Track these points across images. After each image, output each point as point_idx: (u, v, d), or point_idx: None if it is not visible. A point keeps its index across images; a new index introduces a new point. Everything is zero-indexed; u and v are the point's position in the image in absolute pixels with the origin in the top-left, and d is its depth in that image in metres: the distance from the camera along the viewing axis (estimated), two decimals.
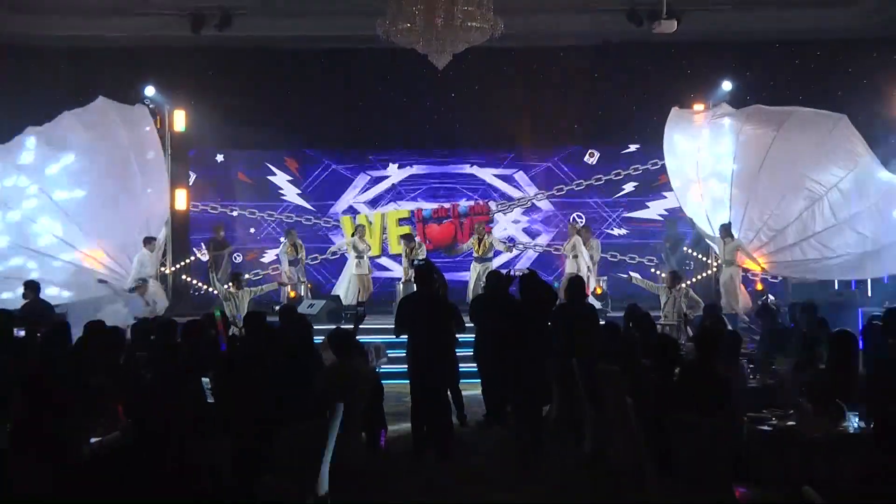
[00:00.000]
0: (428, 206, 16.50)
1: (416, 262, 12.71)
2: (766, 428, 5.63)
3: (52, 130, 13.19)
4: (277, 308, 10.99)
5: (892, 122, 15.05)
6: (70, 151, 13.06)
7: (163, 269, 15.21)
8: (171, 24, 13.95)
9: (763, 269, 13.31)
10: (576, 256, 13.72)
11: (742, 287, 13.28)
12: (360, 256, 14.43)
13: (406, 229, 15.79)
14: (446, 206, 16.51)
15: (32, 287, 11.15)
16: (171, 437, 4.69)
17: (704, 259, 15.76)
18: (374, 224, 16.23)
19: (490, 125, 15.22)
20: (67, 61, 14.55)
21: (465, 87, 14.37)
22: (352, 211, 16.47)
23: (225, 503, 3.54)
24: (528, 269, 11.08)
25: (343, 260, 15.44)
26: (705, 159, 13.63)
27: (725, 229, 13.10)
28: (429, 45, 10.53)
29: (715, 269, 15.21)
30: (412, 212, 16.50)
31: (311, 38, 14.57)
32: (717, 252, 13.63)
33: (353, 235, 14.73)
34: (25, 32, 13.99)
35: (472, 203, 16.43)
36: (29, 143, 13.11)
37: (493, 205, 16.42)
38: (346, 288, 14.56)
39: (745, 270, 13.53)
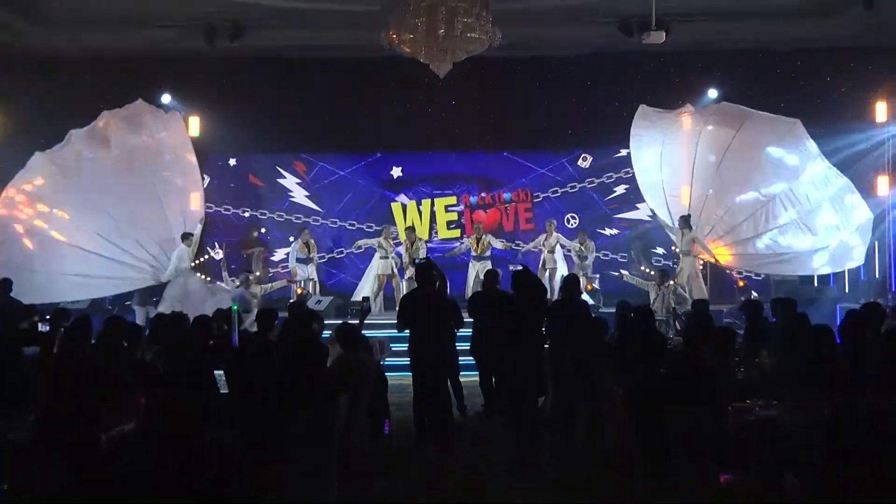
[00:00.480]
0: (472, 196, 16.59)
1: (416, 261, 12.70)
2: (750, 418, 5.63)
3: (94, 130, 13.31)
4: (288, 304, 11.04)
5: (867, 127, 15.10)
6: (112, 150, 13.18)
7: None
8: (186, 35, 13.95)
9: (716, 260, 13.29)
10: (552, 252, 13.62)
11: (699, 277, 13.28)
12: (384, 256, 14.32)
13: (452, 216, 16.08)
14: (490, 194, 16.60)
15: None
16: (186, 428, 4.69)
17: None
18: (424, 210, 16.30)
19: (488, 130, 15.19)
20: (89, 71, 14.53)
21: (464, 94, 14.33)
22: (358, 212, 16.49)
23: (236, 492, 3.53)
24: (520, 264, 11.06)
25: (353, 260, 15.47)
26: (668, 153, 13.63)
27: (684, 220, 13.10)
28: (431, 54, 10.53)
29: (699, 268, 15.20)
30: (459, 197, 16.55)
31: (319, 48, 14.58)
32: (676, 242, 13.56)
33: (380, 236, 14.65)
34: (49, 44, 13.99)
35: (516, 191, 16.46)
36: (71, 143, 13.19)
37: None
38: (370, 286, 14.52)
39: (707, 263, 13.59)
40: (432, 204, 16.48)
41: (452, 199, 16.56)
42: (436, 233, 16.25)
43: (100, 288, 12.99)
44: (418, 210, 16.33)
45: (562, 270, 13.94)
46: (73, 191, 12.97)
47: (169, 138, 13.71)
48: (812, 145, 13.28)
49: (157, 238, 13.23)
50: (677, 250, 13.47)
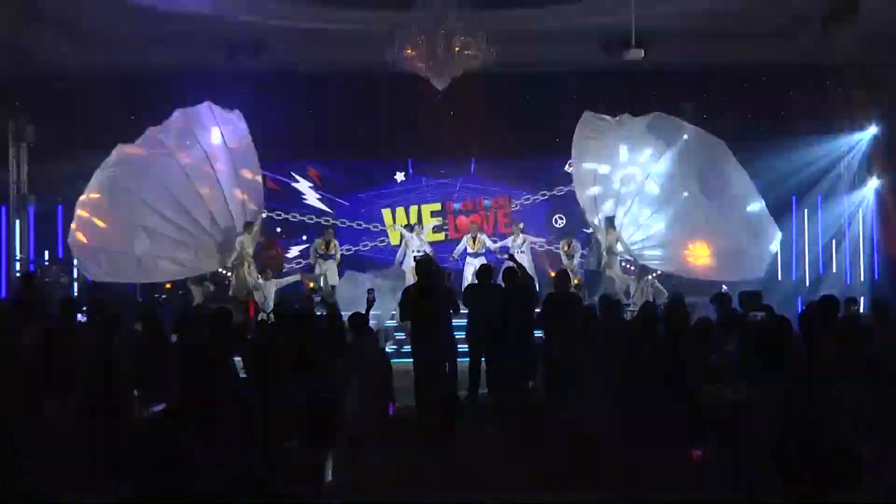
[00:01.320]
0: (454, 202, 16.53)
1: (416, 257, 12.71)
2: (719, 399, 5.64)
3: (169, 128, 13.22)
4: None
5: (827, 139, 15.15)
6: (182, 144, 13.15)
7: None
8: (209, 52, 13.95)
9: (634, 259, 13.27)
10: (522, 252, 13.57)
11: (619, 272, 13.31)
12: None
13: (438, 220, 16.01)
14: (472, 200, 16.53)
15: None
16: (208, 409, 4.70)
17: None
18: (411, 216, 16.15)
19: (483, 139, 15.18)
20: (122, 85, 14.53)
21: (462, 107, 14.33)
22: (366, 213, 16.45)
23: (252, 469, 3.54)
24: (507, 255, 10.98)
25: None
26: (604, 158, 13.51)
27: (609, 221, 13.01)
28: (431, 70, 10.54)
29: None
30: (443, 205, 16.50)
31: (331, 64, 14.56)
32: (601, 241, 13.42)
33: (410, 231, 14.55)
34: (86, 61, 13.98)
35: (495, 198, 16.44)
36: (147, 138, 13.14)
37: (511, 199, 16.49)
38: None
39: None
40: (419, 210, 16.35)
41: (437, 206, 16.46)
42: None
43: (170, 272, 12.94)
44: (406, 215, 16.17)
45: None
46: (150, 181, 12.86)
47: (232, 134, 13.59)
48: (736, 165, 13.23)
49: (222, 225, 13.17)
50: (603, 250, 13.34)
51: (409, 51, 10.37)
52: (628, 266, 14.09)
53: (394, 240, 16.05)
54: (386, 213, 16.47)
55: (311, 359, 5.86)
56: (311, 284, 13.58)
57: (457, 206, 16.55)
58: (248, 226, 12.97)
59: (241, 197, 13.35)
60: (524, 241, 14.14)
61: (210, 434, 4.38)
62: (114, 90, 14.41)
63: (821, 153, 15.21)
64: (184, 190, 12.93)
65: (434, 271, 8.78)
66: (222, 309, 8.21)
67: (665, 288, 12.84)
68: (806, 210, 15.71)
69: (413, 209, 16.40)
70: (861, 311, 9.73)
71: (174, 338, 7.64)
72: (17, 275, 14.24)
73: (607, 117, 13.49)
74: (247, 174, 13.59)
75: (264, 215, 15.73)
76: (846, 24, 12.24)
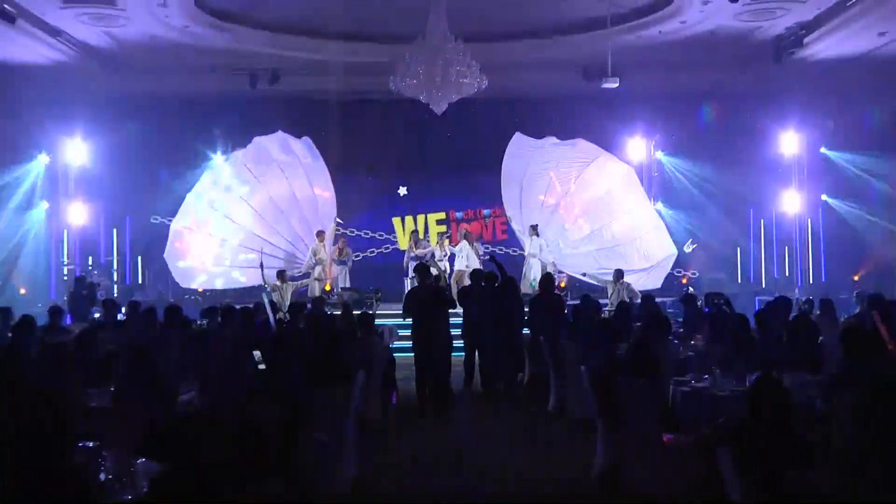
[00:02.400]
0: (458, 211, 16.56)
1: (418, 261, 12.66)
2: (686, 389, 5.65)
3: (250, 152, 13.69)
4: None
5: (777, 158, 15.23)
6: (262, 165, 13.51)
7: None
8: (232, 81, 13.98)
9: (554, 264, 13.25)
10: (462, 257, 13.33)
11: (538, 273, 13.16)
12: (440, 259, 13.64)
13: (441, 228, 15.87)
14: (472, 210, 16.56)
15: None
16: (232, 399, 4.68)
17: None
18: (419, 224, 16.18)
19: (477, 157, 15.17)
20: (155, 110, 14.54)
21: (457, 128, 14.35)
22: (371, 223, 16.41)
23: (273, 452, 3.54)
24: (489, 254, 10.92)
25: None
26: (530, 173, 13.66)
27: (533, 229, 13.10)
28: (430, 95, 10.56)
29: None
30: (447, 213, 16.50)
31: (340, 91, 14.58)
32: (525, 247, 13.44)
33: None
34: (123, 89, 14.01)
35: (493, 207, 16.26)
36: (235, 159, 13.79)
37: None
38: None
39: None
40: (426, 219, 16.38)
41: (442, 215, 16.47)
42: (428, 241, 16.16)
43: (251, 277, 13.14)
44: (414, 223, 16.17)
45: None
46: (234, 201, 13.36)
47: (305, 156, 13.85)
48: (640, 187, 13.65)
49: (296, 235, 13.51)
50: (526, 253, 13.32)
51: (410, 79, 10.38)
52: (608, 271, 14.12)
53: (402, 245, 15.96)
54: (396, 221, 16.43)
55: (331, 355, 5.85)
56: (329, 287, 13.53)
57: (458, 214, 16.54)
58: (320, 234, 13.20)
59: (315, 209, 13.61)
60: (461, 248, 13.69)
61: (237, 420, 4.37)
62: (152, 114, 14.44)
63: (767, 170, 15.38)
64: (265, 206, 13.36)
65: (435, 273, 8.78)
66: (245, 308, 8.24)
67: (638, 290, 12.83)
68: (762, 220, 15.76)
69: (420, 218, 16.38)
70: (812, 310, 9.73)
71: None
72: (71, 276, 14.34)
73: (532, 139, 13.69)
74: (319, 190, 13.80)
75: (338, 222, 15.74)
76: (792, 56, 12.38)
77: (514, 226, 13.94)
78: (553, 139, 13.79)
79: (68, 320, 10.02)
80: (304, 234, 13.53)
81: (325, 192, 13.89)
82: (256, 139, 13.72)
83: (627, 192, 13.52)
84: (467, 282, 10.38)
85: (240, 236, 13.27)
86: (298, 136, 14.71)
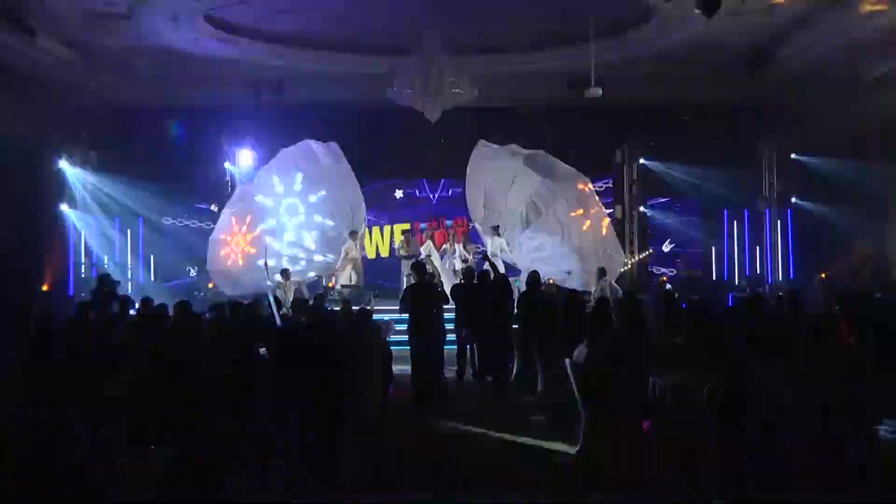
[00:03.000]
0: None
1: (413, 260, 12.66)
2: (665, 381, 5.67)
3: (280, 161, 13.46)
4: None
5: (750, 165, 15.29)
6: (293, 173, 13.34)
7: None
8: (239, 91, 13.96)
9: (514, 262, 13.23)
10: (429, 256, 13.12)
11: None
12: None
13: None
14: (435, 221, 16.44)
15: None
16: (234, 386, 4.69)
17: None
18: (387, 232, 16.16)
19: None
20: (167, 118, 14.52)
21: (450, 136, 14.32)
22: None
23: (277, 438, 3.54)
24: (482, 252, 10.88)
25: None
26: (492, 179, 13.57)
27: (494, 229, 13.04)
28: (424, 104, 10.58)
29: (629, 267, 15.31)
30: (412, 224, 16.36)
31: (340, 100, 14.58)
32: (487, 246, 13.30)
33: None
34: (138, 98, 13.98)
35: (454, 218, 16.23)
36: (265, 172, 13.51)
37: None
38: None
39: None
40: (392, 229, 16.28)
41: (406, 225, 16.22)
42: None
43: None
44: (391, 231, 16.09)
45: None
46: (264, 212, 13.21)
47: (334, 161, 13.65)
48: (595, 197, 13.67)
49: (330, 235, 13.37)
50: (489, 253, 12.96)
51: (406, 89, 10.40)
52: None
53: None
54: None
55: (332, 349, 5.86)
56: (331, 284, 13.50)
57: (422, 225, 16.30)
58: (352, 234, 13.13)
59: (346, 211, 13.47)
60: (428, 249, 13.66)
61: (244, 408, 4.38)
62: (161, 122, 14.41)
63: (745, 176, 15.44)
64: (294, 215, 13.25)
65: (430, 271, 8.78)
66: (252, 304, 8.23)
67: (620, 287, 12.85)
68: (736, 221, 15.82)
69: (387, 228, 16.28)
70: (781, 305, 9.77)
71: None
72: (89, 274, 14.37)
73: (496, 146, 13.61)
74: (348, 192, 13.67)
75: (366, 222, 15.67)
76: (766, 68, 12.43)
77: (478, 226, 13.97)
78: (515, 146, 13.74)
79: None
80: (335, 236, 13.37)
81: (353, 195, 13.81)
82: (282, 150, 13.57)
83: (585, 200, 13.54)
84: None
85: (274, 244, 13.21)
86: (298, 140, 14.69)
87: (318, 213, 13.32)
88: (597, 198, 13.78)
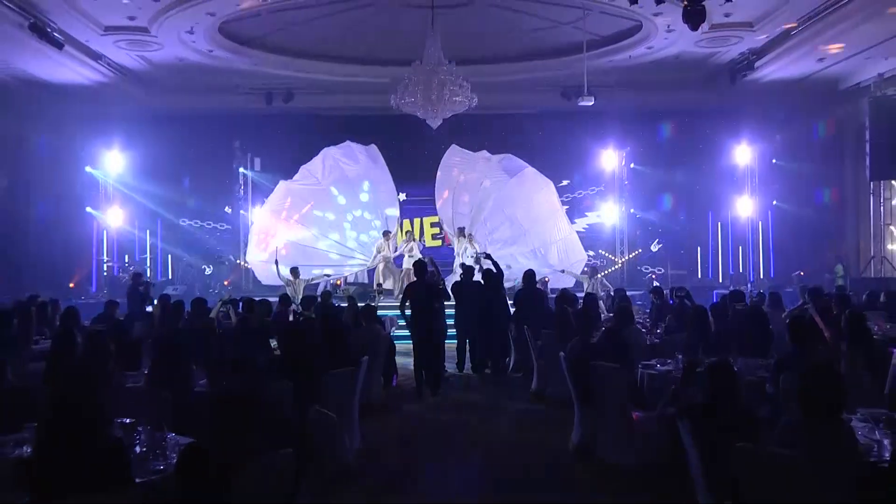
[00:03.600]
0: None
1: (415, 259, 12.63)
2: (653, 372, 5.67)
3: (316, 163, 13.78)
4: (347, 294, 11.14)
5: (731, 166, 15.26)
6: (331, 173, 13.63)
7: (245, 263, 15.27)
8: (252, 99, 13.96)
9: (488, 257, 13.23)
10: (412, 256, 13.02)
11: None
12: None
13: (436, 230, 15.81)
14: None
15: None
16: (249, 380, 4.66)
17: (612, 257, 15.83)
18: (415, 227, 16.00)
19: None
20: (185, 124, 14.50)
21: (451, 141, 14.32)
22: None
23: (287, 427, 3.53)
24: (483, 254, 10.82)
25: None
26: (462, 181, 13.75)
27: (461, 231, 13.05)
28: (426, 112, 10.54)
29: (618, 266, 15.30)
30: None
31: (346, 108, 14.56)
32: (454, 246, 13.34)
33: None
34: (157, 106, 13.97)
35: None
36: (307, 170, 13.78)
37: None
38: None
39: None
40: (421, 222, 16.29)
41: (436, 218, 16.38)
42: (423, 242, 16.10)
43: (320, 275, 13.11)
44: (411, 225, 15.97)
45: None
46: (303, 207, 13.45)
47: (371, 162, 13.82)
48: (557, 197, 13.83)
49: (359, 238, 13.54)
50: (455, 253, 13.17)
51: (409, 97, 10.37)
52: (586, 268, 14.13)
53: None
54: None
55: (338, 342, 5.84)
56: (338, 282, 13.49)
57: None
58: (385, 234, 13.15)
59: (381, 211, 13.65)
60: (411, 249, 13.50)
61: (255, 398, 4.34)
62: (180, 128, 14.41)
63: (726, 177, 15.40)
64: (331, 209, 13.48)
65: (428, 271, 8.73)
66: (264, 300, 8.22)
67: (611, 284, 12.86)
68: (720, 222, 15.81)
69: (416, 221, 16.24)
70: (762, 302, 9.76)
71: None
72: (111, 272, 14.37)
73: (468, 151, 13.73)
74: (384, 193, 13.79)
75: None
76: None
77: (446, 228, 13.98)
78: (485, 153, 13.81)
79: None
80: (369, 237, 13.53)
81: (389, 196, 13.92)
82: (324, 150, 13.67)
83: (547, 202, 13.65)
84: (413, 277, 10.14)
85: (309, 240, 13.30)
86: (310, 148, 14.69)
87: (356, 211, 13.47)
88: (558, 199, 13.94)
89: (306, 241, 13.41)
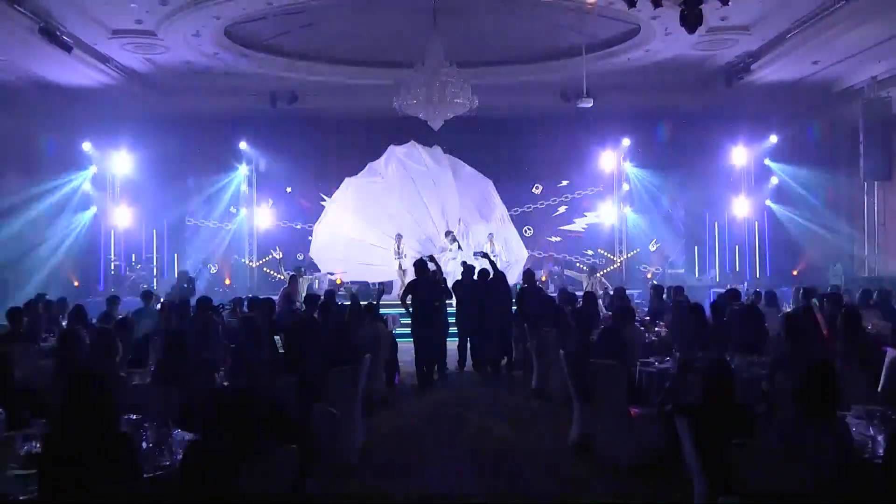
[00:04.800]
0: None
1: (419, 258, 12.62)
2: (651, 369, 5.67)
3: (382, 161, 14.01)
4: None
5: (727, 168, 15.24)
6: (395, 172, 13.73)
7: (250, 263, 15.30)
8: (257, 101, 13.94)
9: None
10: (404, 257, 13.11)
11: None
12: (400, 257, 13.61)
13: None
14: None
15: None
16: (256, 377, 4.67)
17: (611, 256, 15.82)
18: None
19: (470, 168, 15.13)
20: (191, 125, 14.49)
21: (452, 142, 14.29)
22: None
23: (291, 423, 3.53)
24: (481, 253, 10.82)
25: None
26: (412, 178, 13.99)
27: (398, 237, 13.22)
28: (428, 113, 10.54)
29: (617, 265, 15.28)
30: None
31: (349, 109, 14.55)
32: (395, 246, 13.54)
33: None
34: (164, 107, 13.98)
35: None
36: (371, 169, 14.01)
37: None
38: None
39: None
40: None
41: None
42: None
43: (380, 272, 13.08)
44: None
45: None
46: (367, 203, 13.60)
47: (436, 163, 13.88)
48: (499, 201, 14.07)
49: (428, 235, 13.57)
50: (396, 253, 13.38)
51: (411, 99, 10.36)
52: (582, 267, 14.14)
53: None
54: None
55: (342, 340, 5.84)
56: (340, 281, 13.49)
57: None
58: (447, 234, 13.03)
59: (439, 210, 13.70)
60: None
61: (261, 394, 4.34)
62: (186, 129, 14.41)
63: (720, 177, 15.38)
64: (393, 207, 13.57)
65: (430, 269, 8.74)
66: (268, 298, 8.21)
67: (609, 283, 12.86)
68: (716, 222, 15.79)
69: None
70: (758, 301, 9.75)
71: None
72: (118, 271, 14.47)
73: (420, 147, 13.89)
74: (446, 193, 13.83)
75: (298, 227, 15.73)
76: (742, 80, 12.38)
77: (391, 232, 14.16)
78: (438, 148, 13.87)
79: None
80: (434, 235, 13.49)
81: (450, 196, 13.95)
82: (390, 147, 13.77)
83: (490, 201, 13.86)
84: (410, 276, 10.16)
85: (370, 238, 13.44)
86: (313, 149, 14.71)
87: (419, 211, 13.56)
88: (498, 197, 14.16)
89: (367, 238, 13.42)
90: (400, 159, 13.78)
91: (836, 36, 10.45)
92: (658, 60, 12.29)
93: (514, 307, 9.05)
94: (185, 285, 11.28)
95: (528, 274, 9.41)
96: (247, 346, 5.52)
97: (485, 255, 9.85)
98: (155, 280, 14.69)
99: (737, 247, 15.55)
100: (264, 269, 15.70)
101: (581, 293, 11.85)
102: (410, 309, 8.34)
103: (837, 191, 13.98)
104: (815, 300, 7.75)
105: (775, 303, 8.35)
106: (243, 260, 15.47)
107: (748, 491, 3.09)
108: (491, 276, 9.07)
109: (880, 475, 3.00)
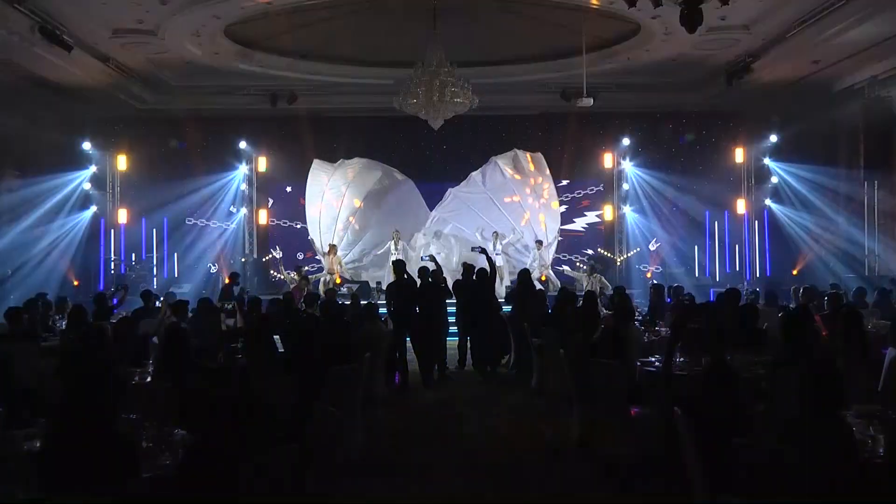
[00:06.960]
0: None
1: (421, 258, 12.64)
2: (651, 369, 5.66)
3: (481, 172, 14.40)
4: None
5: (728, 167, 15.23)
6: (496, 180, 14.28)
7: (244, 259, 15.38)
8: (256, 100, 13.94)
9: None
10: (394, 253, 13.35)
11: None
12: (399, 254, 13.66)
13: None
14: None
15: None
16: (255, 374, 4.66)
17: (611, 256, 15.80)
18: None
19: (470, 167, 15.10)
20: (191, 125, 14.46)
21: (452, 141, 14.29)
22: None
23: (291, 423, 3.52)
24: (479, 248, 10.78)
25: None
26: (328, 188, 14.39)
27: (332, 246, 13.55)
28: (428, 113, 10.54)
29: (618, 264, 15.27)
30: None
31: (349, 109, 14.54)
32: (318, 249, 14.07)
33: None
34: (164, 107, 13.96)
35: None
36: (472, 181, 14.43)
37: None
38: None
39: None
40: None
41: None
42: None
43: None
44: None
45: None
46: (468, 213, 14.18)
47: (539, 173, 14.25)
48: (421, 201, 14.63)
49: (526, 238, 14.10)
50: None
51: (411, 99, 10.35)
52: (581, 266, 14.12)
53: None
54: None
55: (341, 339, 5.84)
56: (339, 280, 13.47)
57: None
58: (538, 244, 13.54)
59: (540, 219, 14.19)
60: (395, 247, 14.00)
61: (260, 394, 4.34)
62: (186, 128, 14.39)
63: (724, 178, 15.35)
64: (494, 214, 14.08)
65: (431, 269, 8.73)
66: (274, 298, 8.21)
67: (609, 283, 12.84)
68: (717, 222, 15.78)
69: None
70: (758, 300, 9.76)
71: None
72: (118, 270, 14.45)
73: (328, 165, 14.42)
74: (548, 202, 14.35)
75: (298, 227, 15.68)
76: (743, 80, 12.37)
77: (312, 240, 14.51)
78: (357, 158, 14.41)
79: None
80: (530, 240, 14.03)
81: (552, 203, 14.43)
82: (492, 158, 14.24)
83: (411, 199, 14.49)
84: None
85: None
86: (313, 149, 14.68)
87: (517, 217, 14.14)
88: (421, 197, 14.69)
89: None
90: (499, 168, 14.20)
91: (836, 36, 10.45)
92: (658, 60, 12.28)
93: (507, 306, 9.03)
94: (235, 289, 10.95)
95: (523, 274, 9.38)
96: (247, 346, 5.53)
97: (483, 251, 9.83)
98: (155, 281, 14.67)
99: (737, 247, 15.53)
100: (264, 269, 15.67)
101: (581, 292, 11.92)
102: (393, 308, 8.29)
103: (837, 190, 13.97)
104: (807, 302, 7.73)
105: (775, 302, 8.35)
106: (242, 259, 15.45)
107: (748, 491, 3.08)
108: (489, 273, 9.06)
109: (881, 476, 3.00)
